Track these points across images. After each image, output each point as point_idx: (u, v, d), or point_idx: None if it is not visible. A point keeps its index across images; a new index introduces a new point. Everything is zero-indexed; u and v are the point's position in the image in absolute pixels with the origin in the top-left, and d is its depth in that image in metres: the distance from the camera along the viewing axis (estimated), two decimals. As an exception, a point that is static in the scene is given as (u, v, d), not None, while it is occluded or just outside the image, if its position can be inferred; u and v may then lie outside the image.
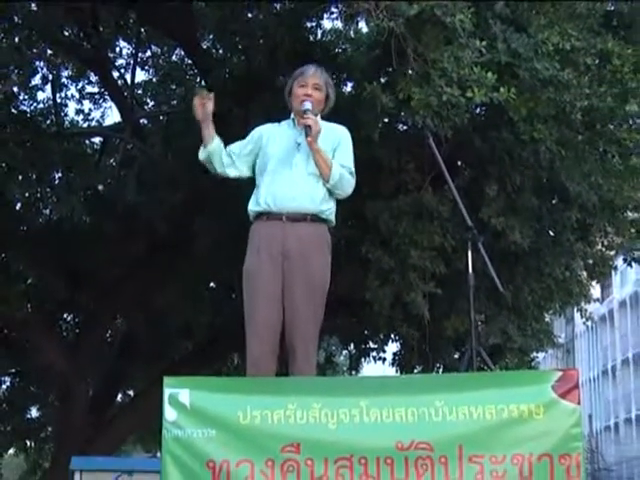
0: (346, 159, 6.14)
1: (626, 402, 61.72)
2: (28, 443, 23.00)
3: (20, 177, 14.22)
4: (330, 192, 6.09)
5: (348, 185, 6.13)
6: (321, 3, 11.56)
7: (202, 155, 6.24)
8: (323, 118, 6.29)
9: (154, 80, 16.87)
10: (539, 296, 13.72)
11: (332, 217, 6.17)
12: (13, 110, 14.69)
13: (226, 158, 6.25)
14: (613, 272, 16.84)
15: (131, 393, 20.74)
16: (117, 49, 16.35)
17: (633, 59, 10.20)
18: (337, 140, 6.18)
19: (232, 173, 6.30)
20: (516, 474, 4.82)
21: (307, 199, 6.01)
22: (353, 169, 6.15)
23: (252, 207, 6.16)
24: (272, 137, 6.22)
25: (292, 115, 6.27)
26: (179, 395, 4.95)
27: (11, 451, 24.06)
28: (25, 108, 15.50)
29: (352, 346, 18.27)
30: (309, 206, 6.01)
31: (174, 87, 16.64)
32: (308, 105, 6.05)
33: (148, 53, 16.65)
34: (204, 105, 6.07)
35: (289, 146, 6.12)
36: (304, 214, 6.01)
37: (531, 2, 10.41)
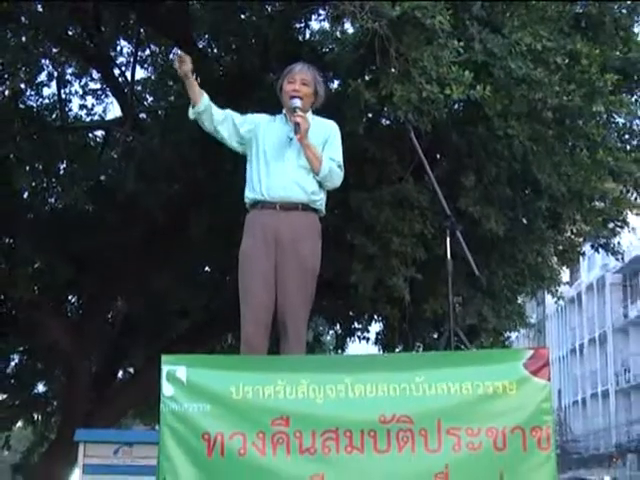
0: (335, 153, 6.18)
1: (592, 379, 61.98)
2: (35, 416, 22.98)
3: (27, 168, 14.21)
4: (320, 184, 6.11)
5: (337, 177, 6.17)
6: (310, 3, 11.51)
7: (192, 115, 6.25)
8: (314, 113, 6.30)
9: (153, 77, 16.83)
10: (512, 280, 13.77)
11: (322, 207, 6.21)
12: (20, 105, 14.67)
13: (219, 116, 6.26)
14: (581, 258, 16.89)
15: (131, 370, 20.73)
16: (118, 48, 16.29)
17: (600, 59, 10.24)
18: (327, 134, 6.22)
19: (222, 132, 6.30)
20: (491, 445, 4.84)
21: (298, 190, 6.05)
22: (342, 162, 6.19)
23: (248, 196, 6.19)
24: (267, 130, 6.25)
25: (284, 110, 6.28)
26: (176, 372, 4.96)
27: (20, 423, 24.05)
28: (32, 103, 15.46)
29: (338, 326, 18.28)
30: (300, 196, 6.05)
31: (171, 84, 16.58)
32: (297, 103, 6.08)
33: (147, 52, 16.59)
34: (183, 63, 6.06)
35: (282, 140, 6.15)
36: (296, 203, 6.05)
37: (505, 2, 10.42)
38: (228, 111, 6.31)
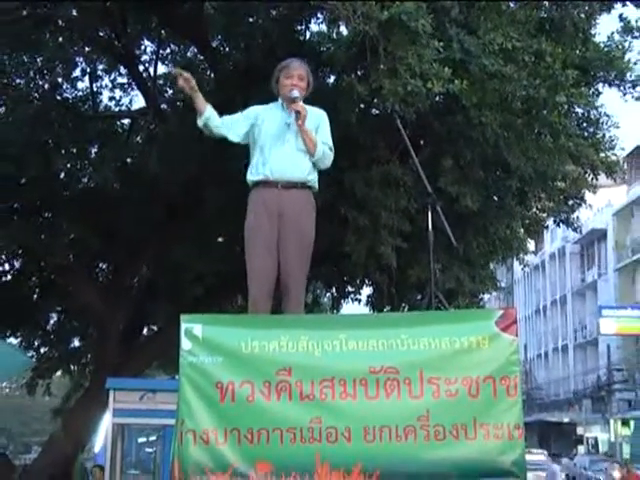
0: (326, 137, 6.15)
1: (554, 335, 62.16)
2: (72, 367, 23.04)
3: (63, 151, 14.19)
4: (314, 164, 6.10)
5: (328, 159, 6.15)
6: (309, 7, 11.43)
7: (200, 122, 6.13)
8: (305, 101, 6.26)
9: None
10: (485, 249, 13.79)
11: (316, 185, 6.18)
12: (58, 97, 14.64)
13: (220, 121, 6.17)
14: (545, 230, 16.91)
15: (154, 327, 20.73)
16: (142, 47, 16.21)
17: (562, 57, 10.23)
18: (318, 121, 6.17)
19: (225, 132, 6.18)
20: (466, 393, 4.86)
21: (298, 170, 6.02)
22: (332, 145, 6.16)
23: (252, 177, 6.14)
24: (266, 118, 6.18)
25: (279, 100, 6.23)
26: (193, 329, 4.96)
27: (58, 373, 24.10)
28: (67, 95, 15.42)
29: (334, 290, 18.30)
30: (299, 176, 6.02)
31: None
32: (296, 93, 6.03)
33: (168, 50, 16.52)
34: (187, 81, 5.97)
35: (280, 126, 6.10)
36: (295, 182, 6.01)
37: (480, 2, 10.40)
38: (225, 116, 6.24)
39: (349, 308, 18.78)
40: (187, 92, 6.04)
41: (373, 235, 11.86)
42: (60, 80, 14.93)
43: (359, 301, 17.13)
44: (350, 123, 10.59)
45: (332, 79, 12.66)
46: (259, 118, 6.20)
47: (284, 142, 6.05)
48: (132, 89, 16.88)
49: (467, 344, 4.96)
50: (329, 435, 4.77)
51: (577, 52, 11.25)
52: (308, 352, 4.93)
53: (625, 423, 46.11)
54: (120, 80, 16.82)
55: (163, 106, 16.22)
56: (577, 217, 14.65)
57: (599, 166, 12.68)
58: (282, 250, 5.98)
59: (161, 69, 16.57)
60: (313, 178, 6.14)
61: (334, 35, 12.59)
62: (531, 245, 17.52)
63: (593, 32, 11.81)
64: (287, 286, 6.01)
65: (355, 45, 10.01)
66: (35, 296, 18.74)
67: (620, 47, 11.41)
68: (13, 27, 12.59)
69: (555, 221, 14.92)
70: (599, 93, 12.28)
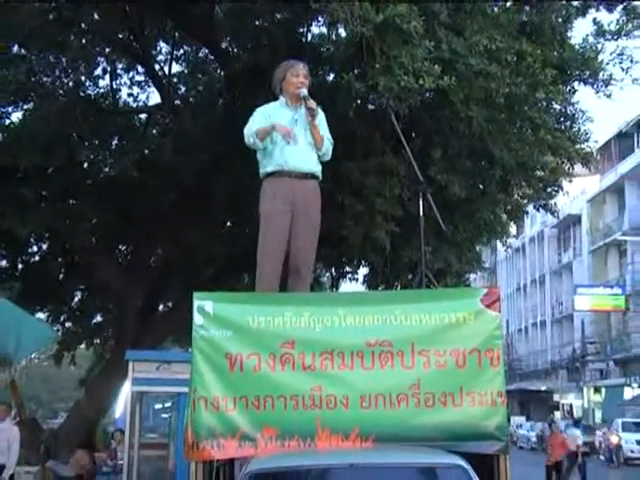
0: (327, 133, 6.21)
1: (533, 311, 62.21)
2: (94, 340, 23.07)
3: (86, 143, 14.18)
4: (319, 156, 6.09)
5: (330, 152, 6.19)
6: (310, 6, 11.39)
7: (255, 145, 6.03)
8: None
9: (186, 71, 16.71)
10: (471, 233, 13.81)
11: (320, 175, 6.18)
12: (81, 94, 14.61)
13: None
14: (525, 215, 16.89)
15: (169, 304, 20.73)
16: (158, 48, 16.17)
17: (541, 57, 10.23)
18: (319, 118, 6.15)
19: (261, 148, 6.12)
20: (453, 364, 4.90)
21: (308, 162, 6.07)
22: (332, 139, 6.17)
23: (266, 168, 6.11)
24: (274, 116, 6.15)
25: (283, 97, 6.18)
26: (205, 306, 5.00)
27: (82, 346, 24.13)
28: (90, 92, 15.37)
29: (333, 270, 18.30)
30: (310, 167, 6.08)
31: (200, 77, 16.49)
32: (305, 92, 6.04)
33: (181, 51, 16.47)
34: (311, 111, 5.96)
35: (289, 122, 6.08)
36: (306, 173, 6.06)
37: (467, 3, 10.39)
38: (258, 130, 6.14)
39: (347, 287, 18.80)
40: (279, 131, 5.96)
41: (369, 220, 11.86)
42: (83, 78, 14.88)
43: (356, 280, 17.13)
44: (348, 117, 10.58)
45: (332, 77, 12.63)
46: (270, 116, 6.15)
47: (294, 137, 6.02)
48: (148, 86, 16.83)
49: (455, 319, 4.98)
50: (328, 402, 4.80)
51: (555, 53, 11.24)
52: (310, 327, 4.95)
53: (597, 391, 46.46)
54: (138, 78, 16.78)
55: (177, 102, 16.18)
56: (555, 203, 14.65)
57: (575, 157, 12.66)
58: (293, 235, 6.01)
59: (175, 68, 16.54)
60: (319, 169, 6.18)
61: (333, 36, 12.56)
62: (513, 229, 17.58)
63: (569, 35, 11.81)
64: (297, 267, 6.04)
65: (353, 45, 9.99)
66: (61, 275, 18.72)
67: (594, 49, 11.42)
68: (41, 30, 12.57)
69: (535, 207, 14.93)
70: (575, 90, 12.28)
